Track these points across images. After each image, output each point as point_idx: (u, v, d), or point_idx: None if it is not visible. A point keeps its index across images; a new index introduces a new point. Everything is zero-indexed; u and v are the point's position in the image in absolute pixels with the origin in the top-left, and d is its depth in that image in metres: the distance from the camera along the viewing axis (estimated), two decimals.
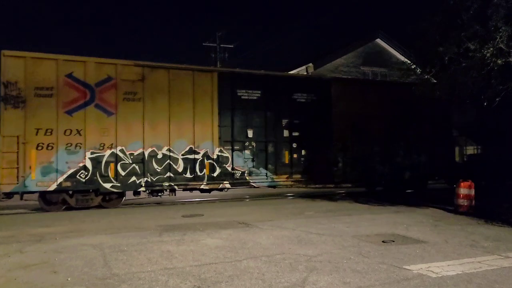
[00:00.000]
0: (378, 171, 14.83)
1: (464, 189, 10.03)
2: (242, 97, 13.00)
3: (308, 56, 24.81)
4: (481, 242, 6.80)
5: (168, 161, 11.94)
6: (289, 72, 23.61)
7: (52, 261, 5.58)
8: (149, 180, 11.73)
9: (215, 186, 12.54)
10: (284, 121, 13.45)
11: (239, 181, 12.83)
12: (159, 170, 11.85)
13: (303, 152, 13.61)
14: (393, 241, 6.76)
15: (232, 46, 28.70)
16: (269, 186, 13.50)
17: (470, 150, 19.83)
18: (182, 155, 12.13)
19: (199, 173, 12.30)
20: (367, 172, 14.61)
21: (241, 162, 12.86)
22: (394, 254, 5.91)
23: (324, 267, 5.21)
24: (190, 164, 12.21)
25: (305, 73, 22.31)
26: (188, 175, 12.19)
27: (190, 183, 12.20)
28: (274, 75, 13.77)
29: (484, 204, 10.41)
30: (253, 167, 12.99)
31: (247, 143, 12.95)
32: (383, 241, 6.75)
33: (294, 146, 13.50)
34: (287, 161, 13.38)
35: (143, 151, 11.68)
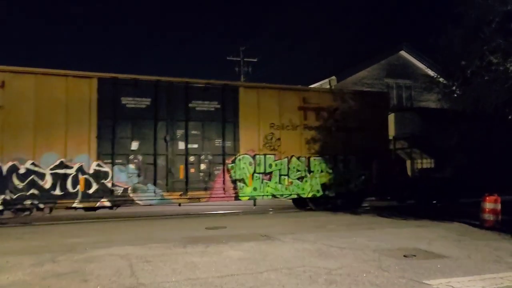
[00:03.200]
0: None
1: (490, 204, 9.86)
2: (128, 105, 11.67)
3: (331, 69, 24.94)
4: (505, 257, 6.70)
5: (33, 176, 10.68)
6: (311, 86, 23.74)
7: (82, 270, 5.87)
8: (7, 198, 10.48)
9: (91, 204, 11.23)
10: (180, 132, 12.13)
11: (121, 199, 11.49)
12: (20, 187, 10.57)
13: (202, 166, 12.29)
14: (415, 256, 6.75)
15: (255, 60, 29.12)
16: (157, 204, 12.21)
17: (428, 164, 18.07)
18: (51, 169, 10.82)
19: (71, 190, 10.97)
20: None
21: (124, 177, 11.49)
22: (414, 268, 5.92)
23: (344, 280, 5.30)
24: (60, 179, 10.90)
25: (328, 86, 22.44)
26: (57, 192, 10.87)
27: (59, 201, 10.93)
28: (167, 81, 12.25)
29: None
30: (138, 183, 11.61)
31: (131, 157, 11.58)
32: (404, 256, 6.75)
33: (192, 160, 12.15)
34: (181, 177, 12.01)
35: (1, 166, 10.47)
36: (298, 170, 13.36)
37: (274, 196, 13.12)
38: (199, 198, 12.25)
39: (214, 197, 12.41)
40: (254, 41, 56.80)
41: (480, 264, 6.24)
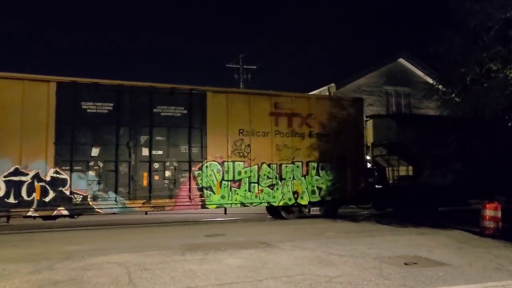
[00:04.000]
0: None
1: (490, 211, 9.81)
2: (89, 110, 11.33)
3: (330, 76, 24.99)
4: (506, 265, 6.66)
5: None
6: (310, 93, 23.76)
7: (79, 278, 5.80)
8: None
9: (48, 213, 10.77)
10: (144, 138, 11.75)
11: (80, 207, 11.04)
12: None
13: (167, 173, 11.88)
14: (415, 264, 6.70)
15: (255, 67, 29.18)
16: (119, 213, 11.82)
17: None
18: (5, 176, 10.40)
19: (26, 198, 10.52)
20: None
21: (83, 185, 11.07)
22: (415, 276, 5.87)
23: None
24: (15, 187, 10.45)
25: (327, 93, 22.47)
26: (11, 200, 10.42)
27: (13, 210, 10.47)
28: (130, 85, 11.87)
29: None
30: (98, 190, 11.19)
31: (92, 163, 11.19)
32: (405, 263, 6.69)
33: (156, 167, 11.77)
34: (145, 184, 11.62)
35: None
36: (269, 178, 12.98)
37: (243, 204, 12.66)
38: (163, 207, 11.79)
39: (179, 205, 11.99)
40: (253, 49, 57.00)
41: (481, 272, 6.19)
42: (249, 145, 12.84)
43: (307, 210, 13.61)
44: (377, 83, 23.57)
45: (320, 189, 13.65)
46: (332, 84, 22.44)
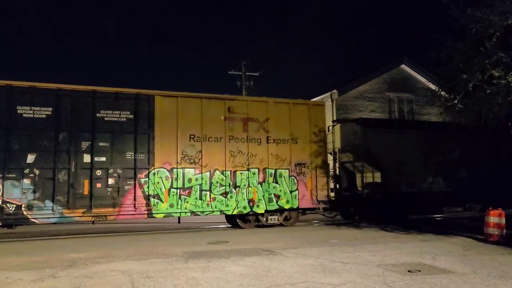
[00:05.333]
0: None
1: (494, 218, 9.77)
2: (25, 115, 10.89)
3: (332, 82, 25.06)
4: (511, 272, 6.61)
5: None
6: (313, 99, 23.81)
7: (83, 286, 5.80)
8: None
9: None
10: (85, 144, 11.27)
11: (13, 217, 10.52)
12: None
13: (110, 181, 11.39)
14: (419, 271, 6.67)
15: (257, 74, 29.24)
16: (57, 223, 11.24)
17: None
18: None
19: None
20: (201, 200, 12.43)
21: (17, 193, 10.58)
22: (419, 284, 5.84)
23: None
24: None
25: (330, 100, 22.49)
26: None
27: None
28: (71, 89, 11.42)
29: None
30: (34, 199, 10.66)
31: (27, 171, 10.68)
32: (408, 271, 6.66)
33: (98, 174, 11.29)
34: (86, 192, 11.12)
35: None
36: (222, 185, 12.51)
37: (193, 213, 12.18)
38: (105, 216, 11.30)
39: (123, 215, 11.50)
40: (256, 56, 57.19)
41: (485, 280, 6.15)
42: (200, 151, 12.39)
43: (264, 219, 13.16)
44: (379, 90, 23.59)
45: (278, 197, 13.16)
46: (335, 91, 22.46)
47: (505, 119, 9.83)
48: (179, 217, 12.42)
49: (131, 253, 8.47)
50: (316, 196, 13.62)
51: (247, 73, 28.86)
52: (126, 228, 13.49)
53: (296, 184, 13.43)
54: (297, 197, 13.40)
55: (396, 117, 23.46)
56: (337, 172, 15.53)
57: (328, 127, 16.06)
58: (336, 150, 15.65)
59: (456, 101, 11.11)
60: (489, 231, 9.76)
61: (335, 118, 19.84)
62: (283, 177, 13.27)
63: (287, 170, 13.37)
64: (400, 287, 5.68)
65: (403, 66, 24.34)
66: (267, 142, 13.23)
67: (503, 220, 9.71)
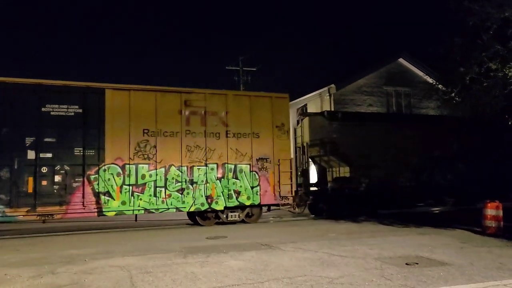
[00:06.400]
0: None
1: (492, 210, 9.81)
2: None
3: (330, 77, 25.00)
4: (508, 264, 6.65)
5: None
6: (310, 94, 23.80)
7: (81, 282, 5.81)
8: None
9: None
10: (29, 140, 10.76)
11: None
12: None
13: (57, 178, 10.89)
14: (417, 264, 6.70)
15: (254, 69, 29.20)
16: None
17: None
18: None
19: None
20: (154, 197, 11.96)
21: None
22: (417, 276, 5.87)
23: None
24: None
25: (328, 94, 22.48)
26: None
27: None
28: (13, 82, 10.96)
29: None
30: None
31: None
32: (406, 264, 6.69)
33: (44, 171, 10.80)
34: (30, 190, 10.62)
35: None
36: (178, 181, 12.05)
37: (147, 210, 11.74)
38: (52, 215, 10.81)
39: (71, 213, 11.04)
40: (253, 51, 57.13)
41: (483, 272, 6.18)
42: (155, 146, 11.93)
43: (224, 216, 12.75)
44: (377, 84, 23.58)
45: (238, 193, 12.70)
46: (332, 85, 22.45)
47: (502, 111, 9.83)
48: (136, 215, 12.10)
49: (129, 249, 8.49)
50: (279, 192, 13.17)
51: (244, 68, 28.80)
52: (124, 224, 13.48)
53: (258, 180, 12.97)
54: (258, 193, 12.94)
55: (393, 111, 23.47)
56: (306, 167, 15.20)
57: (297, 120, 15.85)
58: (305, 144, 15.32)
59: (453, 94, 11.14)
60: (486, 224, 9.81)
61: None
62: (243, 173, 12.84)
63: (248, 165, 12.93)
64: (397, 279, 5.70)
65: (401, 60, 24.31)
66: (227, 136, 12.77)
67: (501, 213, 9.74)
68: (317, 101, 23.46)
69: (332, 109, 21.72)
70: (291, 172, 13.55)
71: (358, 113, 18.99)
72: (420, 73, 23.47)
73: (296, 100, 25.30)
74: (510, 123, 9.73)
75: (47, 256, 7.89)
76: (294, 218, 14.58)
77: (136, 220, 12.52)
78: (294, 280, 5.71)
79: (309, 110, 23.28)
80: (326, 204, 14.78)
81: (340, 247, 8.22)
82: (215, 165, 12.55)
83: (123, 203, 11.47)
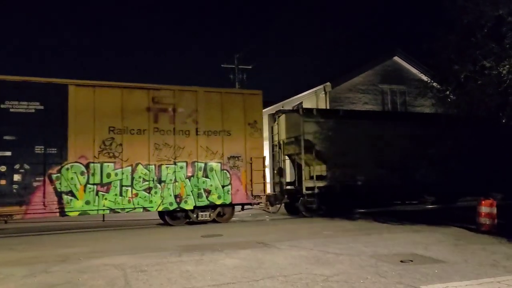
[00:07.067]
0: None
1: (486, 208, 9.86)
2: None
3: (325, 75, 25.05)
4: (502, 261, 6.69)
5: None
6: (306, 92, 23.79)
7: (75, 281, 5.78)
8: None
9: None
10: None
11: None
12: None
13: (16, 177, 10.59)
14: (412, 261, 6.72)
15: (250, 67, 29.10)
16: None
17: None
18: None
19: None
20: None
21: None
22: (412, 274, 5.88)
23: (341, 287, 5.25)
24: None
25: (323, 92, 22.48)
26: None
27: None
28: None
29: (508, 223, 10.19)
30: None
31: None
32: (401, 261, 6.72)
33: (2, 170, 10.52)
34: None
35: None
36: (145, 180, 11.77)
37: (113, 210, 11.48)
38: (10, 215, 10.49)
39: (31, 213, 10.72)
40: (248, 49, 56.96)
41: (477, 269, 6.21)
42: (121, 144, 11.61)
43: (194, 215, 12.47)
44: (372, 82, 23.60)
45: (208, 192, 12.43)
46: (328, 83, 22.43)
47: (496, 109, 9.87)
48: (103, 215, 11.85)
49: (124, 248, 8.46)
50: (252, 191, 12.91)
51: (240, 66, 28.72)
52: (119, 223, 13.43)
53: (229, 178, 12.70)
54: (230, 192, 12.66)
55: (389, 109, 23.51)
56: (282, 165, 15.01)
57: (274, 118, 15.56)
58: (281, 142, 15.15)
59: (448, 92, 11.17)
60: (480, 221, 9.86)
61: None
62: (214, 171, 12.56)
63: (219, 164, 12.65)
64: (392, 277, 5.72)
65: (396, 58, 24.34)
66: (197, 134, 12.45)
67: (495, 210, 9.79)
68: (313, 99, 23.44)
69: (328, 107, 21.72)
70: (264, 171, 13.34)
71: (334, 110, 18.28)
72: (415, 71, 23.52)
73: (291, 98, 25.30)
74: (504, 120, 9.77)
75: (41, 255, 7.84)
76: (290, 217, 14.59)
77: (103, 220, 12.23)
78: (289, 278, 5.71)
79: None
80: (301, 204, 14.44)
81: (335, 244, 8.23)
82: (184, 164, 12.28)
83: (87, 202, 11.19)
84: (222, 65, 28.93)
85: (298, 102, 24.83)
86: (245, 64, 28.98)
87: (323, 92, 22.57)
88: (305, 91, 24.32)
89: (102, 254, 7.67)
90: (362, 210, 15.11)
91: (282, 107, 23.47)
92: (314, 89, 23.34)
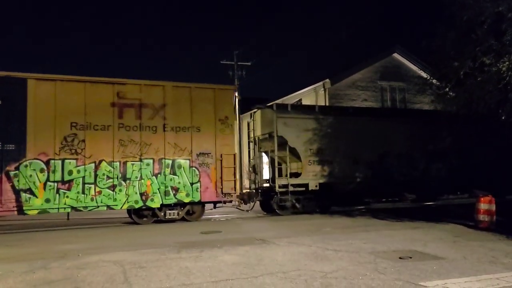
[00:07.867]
0: None
1: (485, 204, 9.87)
2: None
3: (325, 72, 25.03)
4: (501, 258, 6.69)
5: None
6: (305, 89, 23.75)
7: (74, 277, 5.77)
8: None
9: None
10: None
11: None
12: None
13: None
14: (410, 258, 6.73)
15: (249, 63, 29.04)
16: None
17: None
18: None
19: None
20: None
21: None
22: (410, 270, 5.89)
23: (339, 283, 5.25)
24: None
25: (322, 89, 22.46)
26: None
27: None
28: None
29: (506, 220, 10.21)
30: None
31: None
32: (400, 258, 6.72)
33: None
34: None
35: None
36: (109, 177, 11.48)
37: (75, 209, 11.16)
38: None
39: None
40: (248, 45, 56.87)
41: (475, 265, 6.22)
42: (83, 141, 11.32)
43: (162, 214, 12.24)
44: (371, 79, 23.59)
45: (176, 189, 12.16)
46: (327, 80, 22.43)
47: (496, 106, 9.86)
48: (68, 214, 11.52)
49: (123, 244, 8.46)
50: (222, 189, 12.67)
51: (239, 63, 28.65)
52: (118, 219, 13.43)
53: (198, 176, 12.45)
54: (199, 190, 12.41)
55: (388, 105, 23.50)
56: (257, 162, 14.80)
57: (250, 114, 15.27)
58: (257, 138, 14.92)
59: (447, 89, 11.15)
60: (479, 218, 9.87)
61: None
62: (182, 168, 12.29)
63: (188, 161, 12.38)
64: (391, 273, 5.72)
65: (395, 55, 24.33)
66: (164, 130, 12.19)
67: (493, 207, 9.81)
68: (312, 96, 23.43)
69: (327, 104, 21.71)
70: (234, 168, 13.03)
71: (309, 106, 17.67)
72: (415, 68, 23.51)
73: (291, 95, 25.28)
74: (503, 117, 9.76)
75: (40, 251, 7.84)
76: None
77: (68, 218, 11.88)
78: (288, 274, 5.71)
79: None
80: (274, 201, 14.12)
81: (334, 241, 8.23)
82: (151, 161, 12.01)
83: (47, 200, 10.90)
84: (221, 62, 28.87)
85: (297, 99, 24.81)
86: (244, 61, 28.92)
87: (323, 89, 22.57)
88: (304, 88, 24.31)
89: (101, 251, 7.67)
90: (339, 209, 14.76)
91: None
92: (314, 86, 23.34)
